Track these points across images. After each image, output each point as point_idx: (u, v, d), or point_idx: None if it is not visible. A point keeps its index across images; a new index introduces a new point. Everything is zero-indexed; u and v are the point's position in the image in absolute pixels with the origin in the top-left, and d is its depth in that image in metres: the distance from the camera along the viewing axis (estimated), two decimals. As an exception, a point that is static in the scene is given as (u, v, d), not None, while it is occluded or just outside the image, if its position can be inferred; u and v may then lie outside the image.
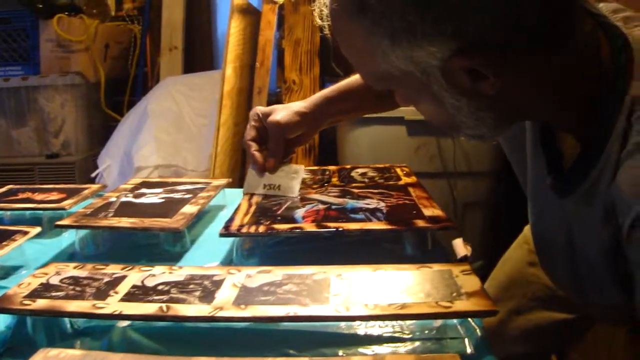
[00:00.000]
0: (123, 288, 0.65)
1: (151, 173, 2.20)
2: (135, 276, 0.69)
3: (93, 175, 2.46)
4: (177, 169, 2.25)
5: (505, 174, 2.02)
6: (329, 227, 0.82)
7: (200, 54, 2.88)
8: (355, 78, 1.05)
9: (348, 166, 1.29)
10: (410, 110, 1.94)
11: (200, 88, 2.49)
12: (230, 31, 1.95)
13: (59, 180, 2.55)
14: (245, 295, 0.61)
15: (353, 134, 2.01)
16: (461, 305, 0.57)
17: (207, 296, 0.61)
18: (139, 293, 0.64)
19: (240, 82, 2.18)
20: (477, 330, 0.62)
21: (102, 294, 0.64)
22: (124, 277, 0.69)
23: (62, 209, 1.06)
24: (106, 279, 0.69)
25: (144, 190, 1.12)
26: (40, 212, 1.10)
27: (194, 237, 1.00)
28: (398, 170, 1.22)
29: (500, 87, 0.56)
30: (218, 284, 0.65)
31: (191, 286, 0.64)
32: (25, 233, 0.91)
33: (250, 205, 0.97)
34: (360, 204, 0.94)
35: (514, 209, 1.98)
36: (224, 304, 0.60)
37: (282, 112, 0.98)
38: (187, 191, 1.10)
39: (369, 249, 0.88)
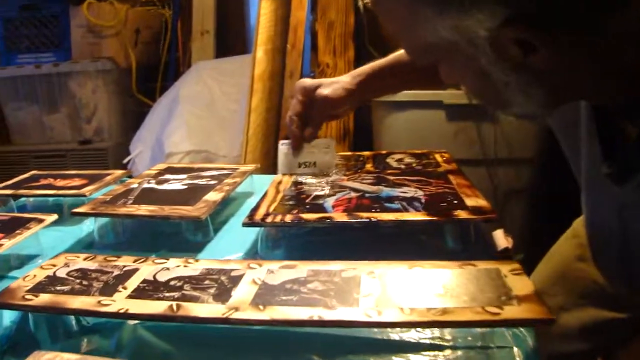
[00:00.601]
0: (133, 283, 0.59)
1: (182, 159, 2.16)
2: (147, 269, 0.63)
3: (125, 161, 2.43)
4: (208, 154, 2.20)
5: (549, 161, 1.91)
6: (361, 218, 0.74)
7: (232, 39, 2.82)
8: (402, 53, 1.00)
9: (383, 152, 1.21)
10: (449, 94, 1.86)
11: (232, 73, 2.44)
12: (261, 12, 1.88)
13: (92, 167, 2.54)
14: (265, 294, 0.55)
15: (389, 118, 1.93)
16: (512, 311, 0.49)
17: (223, 294, 0.55)
18: (149, 289, 0.58)
19: (272, 65, 2.11)
20: (529, 339, 0.54)
21: (109, 289, 0.58)
22: (135, 270, 0.63)
23: (83, 195, 1.02)
24: (116, 272, 0.63)
25: (167, 176, 1.07)
26: (61, 198, 1.06)
27: (218, 226, 0.94)
28: (437, 156, 1.13)
29: (552, 60, 0.52)
30: (236, 280, 0.58)
31: (206, 282, 0.58)
32: (41, 221, 0.86)
33: (277, 192, 0.90)
34: (396, 192, 0.87)
35: (558, 198, 1.88)
36: (241, 303, 0.53)
37: (330, 87, 0.98)
38: (212, 177, 1.04)
39: (405, 241, 0.80)
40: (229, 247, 0.85)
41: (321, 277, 0.57)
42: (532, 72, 0.54)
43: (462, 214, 0.74)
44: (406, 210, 0.77)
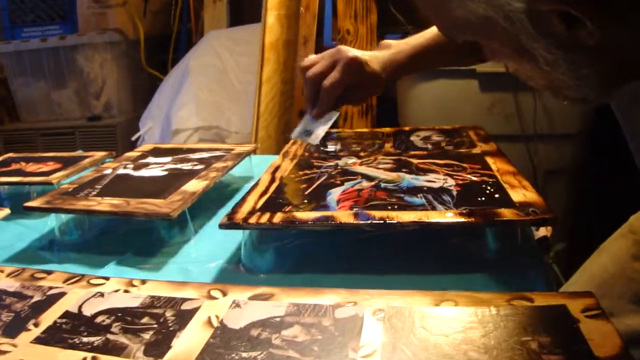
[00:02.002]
0: (49, 317, 0.43)
1: (191, 136, 1.99)
2: (75, 295, 0.46)
3: (134, 138, 2.28)
4: (219, 130, 2.03)
5: (597, 138, 1.70)
6: (373, 218, 0.57)
7: (247, 6, 2.62)
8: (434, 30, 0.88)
9: (407, 128, 1.02)
10: (483, 62, 1.65)
11: (247, 42, 2.24)
12: (273, -27, 1.69)
13: (101, 144, 2.40)
14: (219, 347, 0.37)
15: (416, 90, 1.73)
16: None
17: (161, 344, 0.38)
18: (66, 328, 0.41)
19: (287, 33, 1.92)
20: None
21: (16, 325, 0.42)
22: (61, 295, 0.47)
23: (49, 183, 0.86)
24: (36, 298, 0.47)
25: (149, 159, 0.91)
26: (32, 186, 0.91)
27: (203, 220, 0.78)
28: (471, 133, 0.95)
29: (601, 35, 0.44)
30: (186, 317, 0.41)
31: (144, 320, 0.41)
32: (-15, 217, 0.71)
33: (272, 181, 0.73)
34: (421, 180, 0.68)
35: (607, 181, 1.66)
36: (182, 361, 0.36)
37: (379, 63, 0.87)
38: (200, 161, 0.87)
39: (430, 244, 0.63)
40: (209, 250, 0.68)
41: (305, 317, 0.40)
42: (580, 50, 0.47)
43: (506, 214, 0.56)
44: (432, 207, 0.59)
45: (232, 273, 0.61)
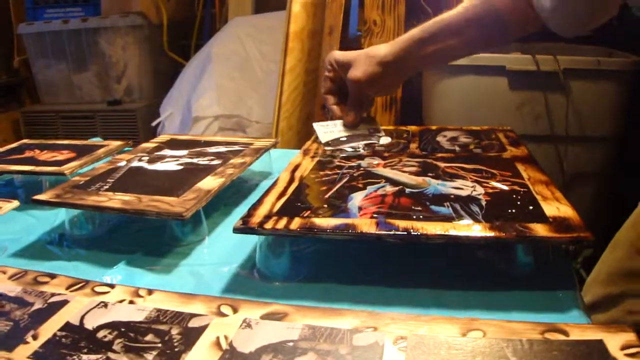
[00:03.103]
0: (49, 329, 0.40)
1: (211, 124, 1.96)
2: (78, 304, 0.44)
3: (154, 124, 2.26)
4: (239, 119, 2.00)
5: (629, 142, 1.64)
6: (396, 228, 0.53)
7: (273, -8, 2.58)
8: (455, 11, 0.82)
9: (433, 127, 0.98)
10: (512, 59, 1.59)
11: (271, 30, 2.20)
12: (300, -40, 1.65)
13: (121, 129, 2.39)
14: (229, 371, 0.34)
15: (441, 85, 1.68)
16: None
17: (165, 366, 0.35)
18: (65, 343, 0.38)
19: (313, 22, 1.88)
20: None
21: (14, 337, 0.39)
22: (63, 303, 0.44)
23: (62, 173, 0.84)
24: (37, 306, 0.44)
25: (165, 151, 0.88)
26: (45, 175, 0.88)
27: (219, 218, 0.75)
28: (501, 135, 0.90)
29: None
30: (193, 336, 0.38)
31: (149, 337, 0.38)
32: (-7, 208, 0.68)
33: (291, 181, 0.70)
34: (448, 187, 0.65)
35: (633, 184, 1.60)
36: (186, 389, 0.33)
37: (362, 66, 0.84)
38: (218, 155, 0.84)
39: (456, 256, 0.59)
40: (223, 252, 0.65)
41: (321, 342, 0.36)
42: None
43: (540, 230, 0.52)
44: (459, 217, 0.55)
45: (246, 279, 0.58)
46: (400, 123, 2.01)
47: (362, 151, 0.84)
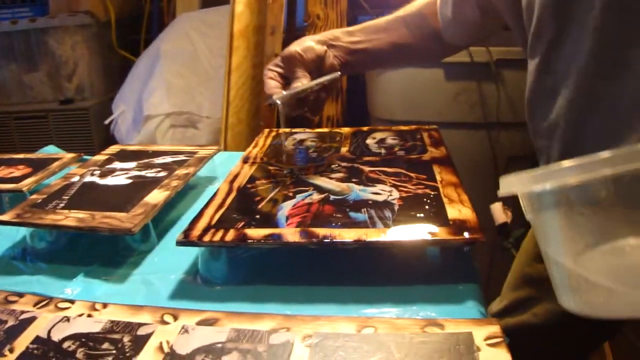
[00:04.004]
0: (23, 342, 0.48)
1: (162, 121, 2.02)
2: (45, 320, 0.51)
3: (107, 122, 2.30)
4: (190, 115, 2.05)
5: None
6: (316, 236, 0.62)
7: (219, -14, 2.62)
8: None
9: (365, 128, 1.07)
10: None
11: (219, 24, 2.25)
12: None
13: (74, 128, 2.42)
14: (169, 370, 0.43)
15: (383, 78, 1.77)
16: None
17: (117, 369, 0.43)
18: (37, 354, 0.46)
19: (257, 19, 1.94)
20: None
21: (-10, 352, 0.47)
22: (32, 319, 0.51)
23: (20, 190, 0.90)
24: (10, 323, 0.51)
25: (115, 164, 0.94)
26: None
27: (168, 225, 0.83)
28: (425, 135, 0.99)
29: None
30: (140, 342, 0.46)
31: (105, 345, 0.46)
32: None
33: (229, 192, 0.78)
34: (368, 193, 0.73)
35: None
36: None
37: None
38: (164, 167, 0.91)
39: (372, 256, 0.68)
40: (170, 260, 0.73)
41: (244, 342, 0.45)
42: None
43: (439, 233, 0.61)
44: (373, 224, 0.64)
45: (190, 285, 0.66)
46: (347, 113, 2.10)
47: (316, 86, 0.84)
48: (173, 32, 2.26)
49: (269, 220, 0.67)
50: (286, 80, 0.87)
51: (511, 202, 1.64)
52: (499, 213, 1.45)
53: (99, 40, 2.47)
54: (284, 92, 0.83)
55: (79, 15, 2.35)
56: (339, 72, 0.88)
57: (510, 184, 0.41)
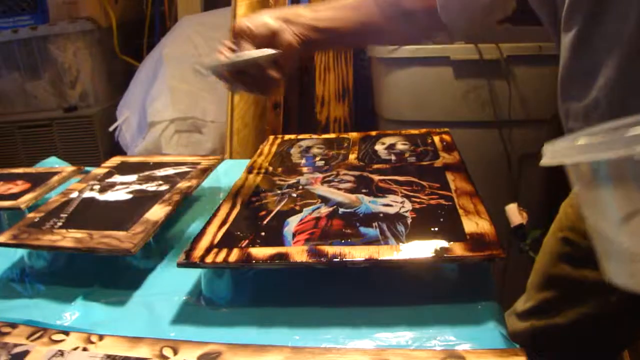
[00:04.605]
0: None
1: (167, 127, 1.98)
2: (37, 354, 0.48)
3: (111, 129, 2.27)
4: (194, 120, 2.02)
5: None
6: (325, 255, 0.58)
7: (221, -12, 2.58)
8: None
9: (373, 133, 1.03)
10: (456, 49, 1.64)
11: (220, 27, 2.21)
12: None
13: (79, 135, 2.40)
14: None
15: (390, 76, 1.72)
16: None
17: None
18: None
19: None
20: None
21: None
22: (25, 354, 0.48)
23: (18, 208, 0.87)
24: (2, 358, 0.48)
25: (115, 178, 0.91)
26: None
27: (170, 243, 0.80)
28: (436, 139, 0.95)
29: None
30: (138, 383, 0.43)
31: (98, 386, 0.43)
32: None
33: (233, 207, 0.74)
34: (379, 205, 0.70)
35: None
36: None
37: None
38: (165, 180, 0.88)
39: (380, 274, 0.64)
40: (172, 279, 0.69)
41: (249, 381, 0.42)
42: None
43: (456, 249, 0.57)
44: (385, 240, 0.60)
45: (193, 307, 0.63)
46: (354, 113, 2.06)
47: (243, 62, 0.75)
48: (175, 36, 2.23)
49: (274, 237, 0.63)
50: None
51: (527, 199, 1.60)
52: (515, 214, 1.41)
53: (101, 46, 2.45)
54: (212, 63, 0.77)
55: (79, 22, 2.33)
56: (277, 50, 0.75)
57: (557, 152, 0.37)
